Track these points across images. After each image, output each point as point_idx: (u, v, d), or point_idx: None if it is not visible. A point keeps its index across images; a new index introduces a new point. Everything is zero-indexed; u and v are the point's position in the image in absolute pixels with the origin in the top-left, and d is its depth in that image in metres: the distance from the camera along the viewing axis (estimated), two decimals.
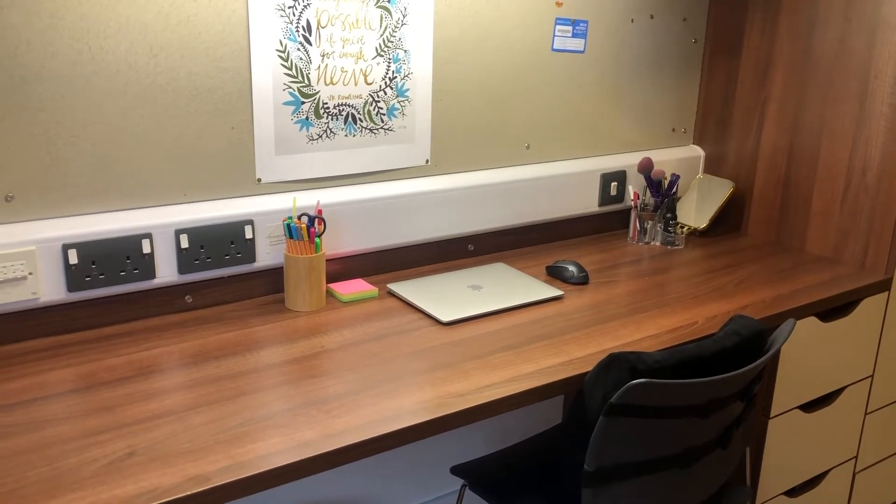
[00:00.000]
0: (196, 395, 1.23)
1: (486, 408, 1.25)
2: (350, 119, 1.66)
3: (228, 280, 1.59)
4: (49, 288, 1.39)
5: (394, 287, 1.68)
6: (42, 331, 1.42)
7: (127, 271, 1.44)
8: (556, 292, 1.68)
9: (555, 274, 1.80)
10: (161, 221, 1.47)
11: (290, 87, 1.57)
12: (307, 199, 1.63)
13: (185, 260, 1.50)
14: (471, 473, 1.61)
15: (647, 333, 1.52)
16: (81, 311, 1.45)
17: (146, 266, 1.46)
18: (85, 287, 1.41)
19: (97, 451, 1.07)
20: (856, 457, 2.01)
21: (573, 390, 1.35)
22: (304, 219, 1.56)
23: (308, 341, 1.43)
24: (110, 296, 1.46)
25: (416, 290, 1.66)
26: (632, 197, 2.11)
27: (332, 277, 1.72)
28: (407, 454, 1.97)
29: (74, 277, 1.40)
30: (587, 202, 2.07)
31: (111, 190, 1.44)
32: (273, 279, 1.64)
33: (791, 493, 1.88)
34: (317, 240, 1.55)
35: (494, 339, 1.47)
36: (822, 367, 1.80)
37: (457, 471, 1.63)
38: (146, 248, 1.45)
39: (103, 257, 1.41)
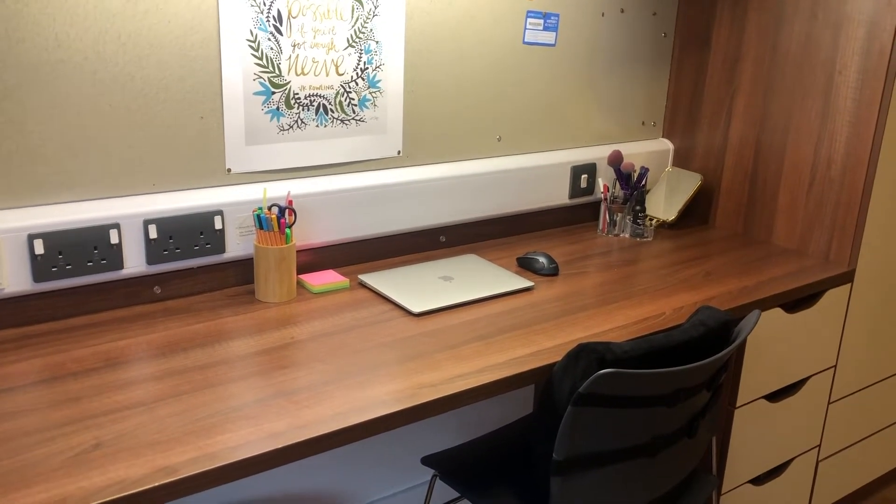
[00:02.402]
0: (164, 386, 1.22)
1: (457, 398, 1.26)
2: (321, 110, 1.66)
3: (198, 271, 1.58)
4: (14, 278, 1.37)
5: (365, 278, 1.68)
6: (7, 321, 1.40)
7: (94, 262, 1.42)
8: (526, 283, 1.69)
9: (525, 265, 1.81)
10: (129, 211, 1.45)
11: (261, 77, 1.56)
12: (278, 190, 1.62)
13: (154, 251, 1.48)
14: (441, 463, 1.62)
15: (615, 324, 1.53)
16: (48, 302, 1.43)
17: (114, 256, 1.44)
18: (51, 277, 1.39)
19: (63, 443, 1.06)
20: (819, 445, 2.05)
21: (543, 380, 1.36)
22: (275, 210, 1.55)
23: (278, 332, 1.43)
24: (77, 286, 1.45)
25: (388, 282, 1.66)
26: (601, 189, 2.13)
27: (303, 268, 1.71)
28: (378, 445, 1.97)
29: (40, 268, 1.38)
30: (558, 194, 2.09)
31: (78, 179, 1.42)
32: (243, 270, 1.64)
33: (756, 481, 1.91)
34: (287, 231, 1.54)
35: (465, 330, 1.47)
36: (787, 357, 1.84)
37: (427, 461, 1.63)
38: (114, 239, 1.43)
39: (70, 247, 1.40)
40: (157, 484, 0.98)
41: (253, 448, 1.07)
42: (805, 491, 2.07)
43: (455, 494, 1.80)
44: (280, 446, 1.08)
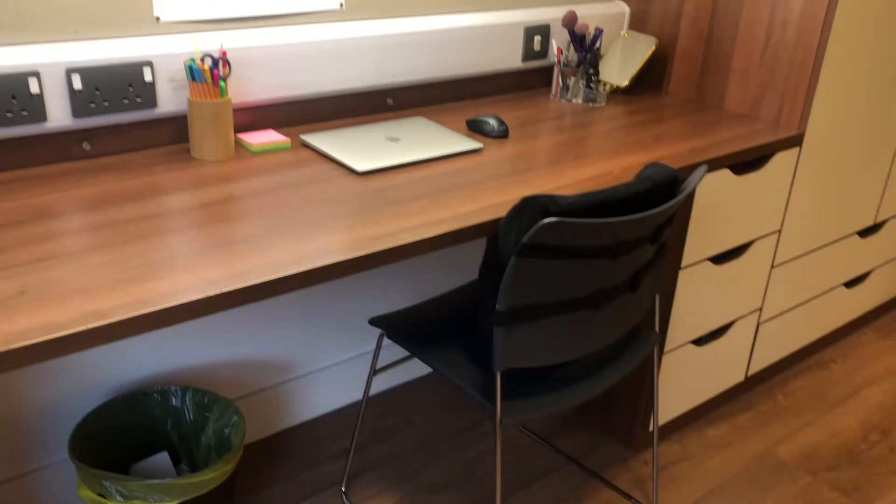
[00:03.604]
0: (95, 237, 1.18)
1: (401, 250, 1.24)
2: None
3: (129, 127, 1.50)
4: None
5: (307, 138, 1.62)
6: None
7: (14, 113, 1.34)
8: (475, 145, 1.65)
9: (475, 128, 1.77)
10: (49, 59, 1.36)
11: None
12: (211, 43, 1.53)
13: (80, 103, 1.40)
14: (388, 324, 1.62)
15: (563, 182, 1.51)
16: None
17: (36, 108, 1.36)
18: None
19: None
20: (761, 308, 2.10)
21: (490, 236, 1.34)
22: (208, 60, 1.47)
23: (215, 188, 1.38)
24: None
25: (331, 142, 1.61)
26: (555, 52, 2.06)
27: (243, 128, 1.64)
28: (327, 313, 1.97)
29: None
30: (510, 56, 2.02)
31: None
32: (178, 128, 1.56)
33: (698, 341, 1.96)
34: (221, 83, 1.47)
35: (411, 189, 1.44)
36: (733, 220, 1.85)
37: (374, 322, 1.63)
38: (34, 88, 1.35)
39: None
40: (85, 328, 0.95)
41: (187, 294, 1.04)
42: (745, 352, 2.13)
43: (401, 355, 1.83)
44: (216, 293, 1.05)
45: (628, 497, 1.87)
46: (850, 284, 2.42)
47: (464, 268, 2.21)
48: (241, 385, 1.88)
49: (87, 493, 1.44)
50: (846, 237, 2.28)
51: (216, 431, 1.63)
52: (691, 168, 1.63)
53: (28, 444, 1.60)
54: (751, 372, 2.20)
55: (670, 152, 1.69)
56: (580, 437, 2.06)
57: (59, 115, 1.40)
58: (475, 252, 2.21)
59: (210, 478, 1.45)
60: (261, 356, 1.89)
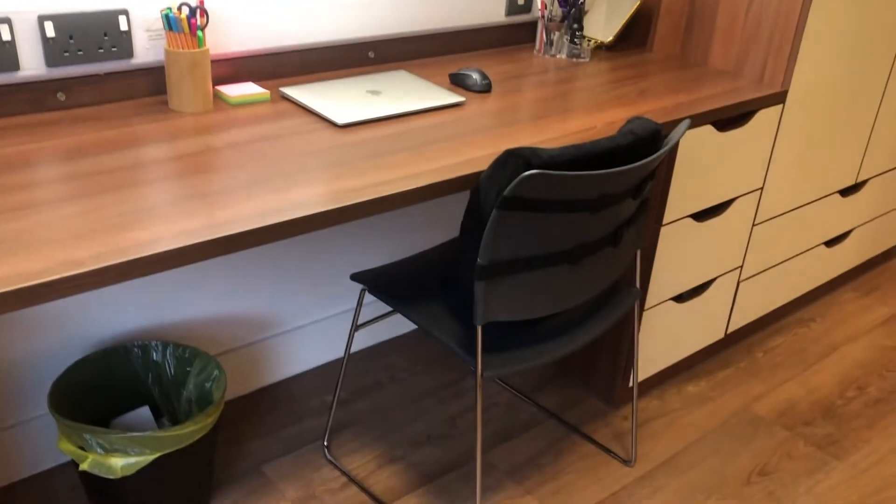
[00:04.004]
0: (70, 188, 1.16)
1: (382, 202, 1.23)
2: None
3: (105, 78, 1.47)
4: None
5: (287, 90, 1.60)
6: None
7: None
8: (457, 98, 1.64)
9: (458, 82, 1.75)
10: (21, 6, 1.32)
11: None
12: None
13: (53, 51, 1.37)
14: (370, 279, 1.62)
15: (546, 136, 1.50)
16: None
17: (8, 56, 1.33)
18: None
19: None
20: (741, 266, 2.11)
21: (472, 189, 1.34)
22: (185, 9, 1.44)
23: (193, 140, 1.36)
24: None
25: (311, 94, 1.59)
26: (539, 6, 2.04)
27: (221, 80, 1.62)
28: (308, 270, 1.96)
29: None
30: (494, 10, 1.99)
31: None
32: (155, 79, 1.53)
33: (678, 298, 1.97)
34: (199, 33, 1.44)
35: (392, 142, 1.43)
36: (715, 177, 1.85)
37: (356, 277, 1.63)
38: (5, 35, 1.31)
39: None
40: (60, 276, 0.94)
41: (165, 244, 1.03)
42: (725, 310, 2.15)
43: (383, 311, 1.82)
44: (192, 242, 1.04)
45: (608, 451, 1.89)
46: (830, 243, 2.44)
47: (445, 225, 2.20)
48: (222, 341, 1.88)
49: (67, 447, 1.43)
50: (827, 196, 2.29)
51: (197, 386, 1.63)
52: (674, 123, 1.62)
53: (7, 399, 1.60)
54: (730, 329, 2.22)
55: (654, 108, 1.68)
56: (560, 394, 2.07)
57: (32, 63, 1.36)
58: (457, 210, 2.21)
59: (190, 431, 1.45)
60: (242, 313, 1.88)
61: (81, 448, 1.42)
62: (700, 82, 1.88)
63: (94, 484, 1.50)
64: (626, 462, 1.86)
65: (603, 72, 1.93)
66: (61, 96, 1.43)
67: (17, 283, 0.92)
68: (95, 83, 1.46)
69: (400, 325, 2.26)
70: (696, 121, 1.68)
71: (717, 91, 1.82)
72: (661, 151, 1.36)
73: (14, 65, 1.34)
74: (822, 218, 2.33)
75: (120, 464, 1.41)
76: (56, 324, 1.60)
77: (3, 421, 1.61)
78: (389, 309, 2.22)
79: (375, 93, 1.62)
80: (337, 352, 2.14)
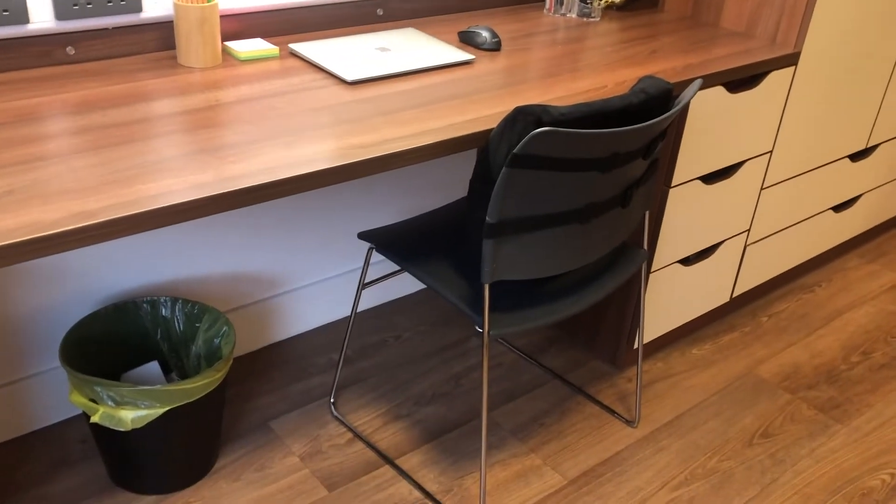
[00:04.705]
0: (81, 140, 1.16)
1: (391, 158, 1.23)
2: None
3: (114, 32, 1.46)
4: None
5: (296, 47, 1.59)
6: None
7: None
8: (467, 56, 1.62)
9: (467, 40, 1.73)
10: None
11: None
12: None
13: (63, 4, 1.36)
14: (377, 237, 1.62)
15: (555, 95, 1.49)
16: None
17: (17, 8, 1.32)
18: None
19: None
20: (748, 230, 2.11)
21: (481, 148, 1.33)
22: None
23: (203, 95, 1.35)
24: None
25: (320, 51, 1.58)
26: None
27: (230, 36, 1.61)
28: (316, 229, 1.97)
29: None
30: None
31: None
32: (164, 35, 1.53)
33: (685, 261, 1.98)
34: None
35: (401, 99, 1.42)
36: (725, 139, 1.84)
37: (363, 236, 1.63)
38: None
39: None
40: (73, 227, 0.95)
41: (175, 197, 1.03)
42: (731, 273, 2.15)
43: (389, 270, 1.83)
44: (203, 195, 1.04)
45: (612, 412, 1.91)
46: (838, 209, 2.44)
47: (452, 186, 2.20)
48: (230, 299, 1.89)
49: (78, 399, 1.45)
50: (837, 160, 2.28)
51: (206, 342, 1.65)
52: (685, 84, 1.61)
53: (20, 351, 1.61)
54: (736, 293, 2.23)
55: (665, 68, 1.67)
56: (564, 355, 2.09)
57: (41, 16, 1.36)
58: (464, 171, 2.20)
59: (200, 385, 1.47)
60: (250, 270, 1.89)
61: (92, 401, 1.44)
62: (712, 43, 1.86)
63: (105, 436, 1.52)
64: (630, 423, 1.88)
65: (613, 31, 1.91)
66: (70, 50, 1.42)
67: (31, 232, 0.92)
68: (105, 37, 1.45)
69: (405, 286, 2.27)
70: (707, 81, 1.66)
71: (729, 52, 1.80)
72: (673, 111, 1.35)
73: (24, 18, 1.34)
74: (831, 182, 2.32)
75: (130, 416, 1.43)
76: (67, 278, 1.61)
77: (17, 373, 1.63)
78: (396, 268, 2.23)
79: (384, 50, 1.61)
80: (343, 311, 2.15)
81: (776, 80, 1.87)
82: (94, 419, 1.43)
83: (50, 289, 1.60)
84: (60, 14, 1.37)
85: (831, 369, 2.12)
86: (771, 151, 2.01)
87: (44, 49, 1.40)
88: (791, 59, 1.86)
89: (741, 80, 1.81)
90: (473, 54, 1.67)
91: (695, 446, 1.83)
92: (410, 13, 1.87)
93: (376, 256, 2.14)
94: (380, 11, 1.82)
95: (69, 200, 1.00)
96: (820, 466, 1.80)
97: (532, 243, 1.35)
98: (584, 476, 1.73)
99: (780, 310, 2.36)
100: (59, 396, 1.71)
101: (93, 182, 1.05)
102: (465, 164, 2.19)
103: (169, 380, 1.70)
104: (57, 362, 1.68)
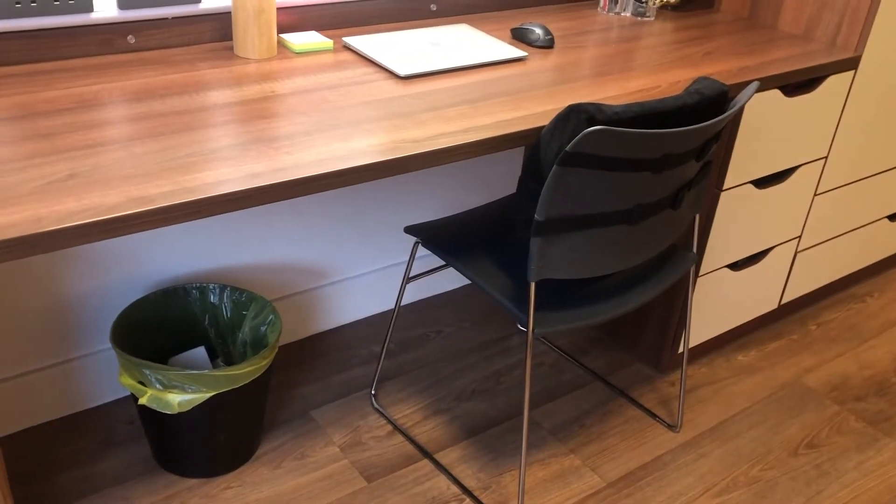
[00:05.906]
0: (140, 127, 1.18)
1: (441, 154, 1.23)
2: None
3: (174, 22, 1.49)
4: None
5: (350, 41, 1.60)
6: None
7: (61, 1, 1.34)
8: (519, 53, 1.62)
9: (520, 37, 1.73)
10: None
11: None
12: None
13: None
14: (423, 232, 1.63)
15: (608, 93, 1.48)
16: (14, 44, 1.35)
17: None
18: (14, 15, 1.31)
19: (35, 172, 1.04)
20: (800, 236, 2.07)
21: (531, 145, 1.33)
22: None
23: (258, 86, 1.37)
24: (44, 28, 1.36)
25: (373, 45, 1.59)
26: None
27: (285, 29, 1.62)
28: (363, 222, 1.98)
29: (1, 2, 1.29)
30: None
31: None
32: (221, 25, 1.55)
33: (734, 266, 1.95)
34: None
35: (452, 94, 1.42)
36: (780, 143, 1.81)
37: (410, 230, 1.64)
38: None
39: None
40: (132, 211, 0.97)
41: (231, 185, 1.05)
42: (780, 280, 2.11)
43: (434, 265, 1.84)
44: (259, 185, 1.06)
45: (653, 416, 1.89)
46: (893, 217, 2.38)
47: (499, 183, 2.20)
48: (276, 288, 1.92)
49: (127, 381, 1.49)
50: (894, 168, 2.23)
51: (252, 329, 1.67)
52: (740, 86, 1.59)
53: (73, 332, 1.66)
54: (784, 300, 2.19)
55: (719, 69, 1.65)
56: (607, 357, 2.08)
57: (105, 4, 1.39)
58: (511, 169, 2.20)
59: (246, 371, 1.49)
60: (297, 260, 1.92)
61: (141, 383, 1.47)
62: (768, 45, 1.83)
63: (152, 418, 1.55)
64: (672, 427, 1.86)
65: (668, 31, 1.89)
66: (131, 39, 1.46)
67: (92, 216, 0.95)
68: (164, 27, 1.48)
69: (449, 282, 2.28)
70: (764, 84, 1.64)
71: (786, 55, 1.77)
72: (729, 113, 1.33)
73: (88, 7, 1.37)
74: (888, 190, 2.26)
75: (177, 400, 1.46)
76: (120, 262, 1.64)
77: (69, 353, 1.67)
78: (441, 264, 2.23)
79: (437, 45, 1.62)
80: (387, 303, 2.16)
81: (835, 85, 1.83)
82: (142, 401, 1.46)
83: (103, 272, 1.63)
84: (123, 3, 1.40)
85: (882, 381, 2.07)
86: (826, 157, 1.96)
87: (106, 37, 1.43)
88: (851, 64, 1.82)
89: (798, 83, 1.77)
90: (526, 51, 1.66)
91: (738, 454, 1.80)
92: (463, 9, 1.87)
93: (421, 251, 2.14)
94: (433, 7, 1.82)
95: (128, 185, 1.02)
96: (867, 480, 1.76)
97: (580, 243, 1.34)
98: (623, 479, 1.72)
99: (830, 319, 2.31)
100: (109, 378, 1.75)
101: (151, 168, 1.07)
102: (513, 162, 2.19)
103: (215, 365, 1.73)
104: (108, 344, 1.72)
